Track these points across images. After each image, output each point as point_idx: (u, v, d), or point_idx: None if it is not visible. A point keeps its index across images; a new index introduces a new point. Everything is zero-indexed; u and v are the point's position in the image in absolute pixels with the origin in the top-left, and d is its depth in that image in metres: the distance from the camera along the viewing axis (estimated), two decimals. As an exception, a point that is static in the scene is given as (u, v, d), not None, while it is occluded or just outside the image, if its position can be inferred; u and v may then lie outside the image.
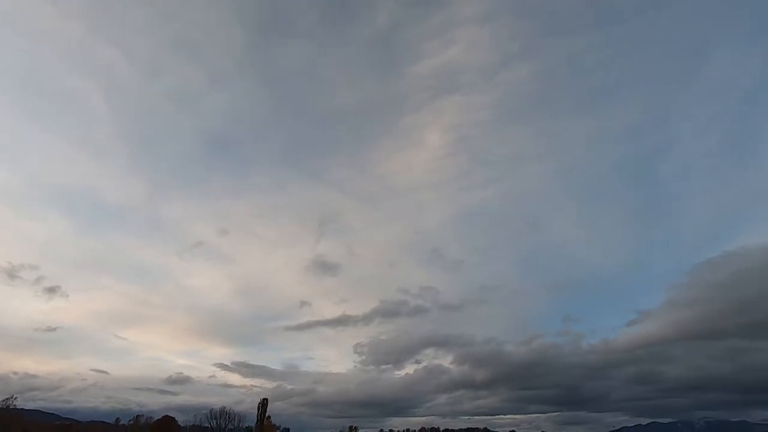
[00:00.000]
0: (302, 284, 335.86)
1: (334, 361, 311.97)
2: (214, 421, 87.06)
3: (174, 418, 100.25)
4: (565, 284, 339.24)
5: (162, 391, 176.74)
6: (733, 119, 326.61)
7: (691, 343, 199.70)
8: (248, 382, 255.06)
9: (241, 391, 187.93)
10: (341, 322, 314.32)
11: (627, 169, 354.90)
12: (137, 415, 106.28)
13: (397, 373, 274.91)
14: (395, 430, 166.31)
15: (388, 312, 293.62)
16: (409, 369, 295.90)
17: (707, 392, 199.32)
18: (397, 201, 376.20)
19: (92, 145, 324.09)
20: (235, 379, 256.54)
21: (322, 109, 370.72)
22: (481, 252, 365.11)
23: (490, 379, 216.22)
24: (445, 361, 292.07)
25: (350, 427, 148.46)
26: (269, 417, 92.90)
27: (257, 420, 74.22)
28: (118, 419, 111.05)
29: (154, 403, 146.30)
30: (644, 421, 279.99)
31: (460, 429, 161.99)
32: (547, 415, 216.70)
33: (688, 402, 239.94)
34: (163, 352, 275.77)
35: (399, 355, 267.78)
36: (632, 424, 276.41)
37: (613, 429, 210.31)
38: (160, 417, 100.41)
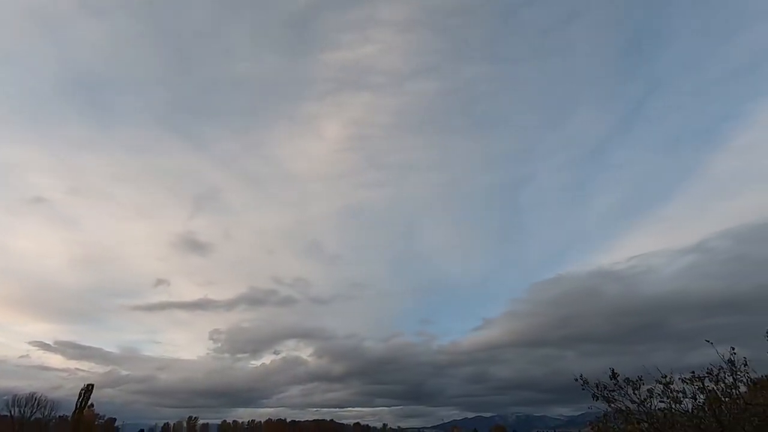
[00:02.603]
0: (162, 261, 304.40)
1: (184, 346, 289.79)
2: (16, 409, 72.83)
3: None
4: (427, 288, 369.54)
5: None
6: (581, 164, 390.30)
7: (519, 349, 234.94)
8: (73, 365, 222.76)
9: (61, 376, 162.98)
10: (201, 305, 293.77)
11: (496, 192, 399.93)
12: None
13: (253, 362, 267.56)
14: (240, 421, 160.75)
15: (255, 299, 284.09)
16: (266, 359, 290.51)
17: (522, 391, 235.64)
18: (284, 187, 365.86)
19: None
20: (55, 361, 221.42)
21: (218, 75, 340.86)
22: (358, 250, 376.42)
23: (346, 373, 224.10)
24: (305, 353, 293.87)
25: (189, 418, 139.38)
26: (92, 405, 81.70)
27: (75, 408, 64.52)
28: None
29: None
30: (470, 415, 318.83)
31: (307, 421, 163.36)
32: (391, 408, 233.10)
33: (506, 399, 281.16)
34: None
35: (258, 344, 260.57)
36: (460, 418, 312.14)
37: (443, 422, 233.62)
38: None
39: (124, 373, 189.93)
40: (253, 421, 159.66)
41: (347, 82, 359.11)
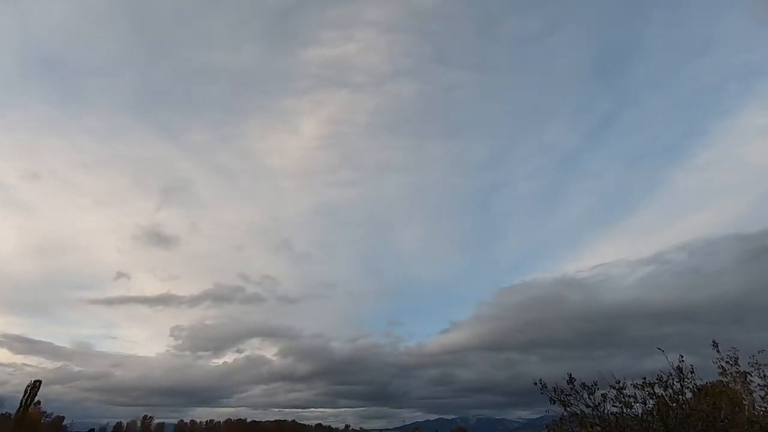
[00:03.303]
0: (124, 253, 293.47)
1: (142, 343, 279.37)
2: (-46, 406, 68.27)
3: None
4: (397, 290, 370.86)
5: None
6: (552, 173, 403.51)
7: (484, 353, 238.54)
8: (20, 359, 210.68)
9: (7, 371, 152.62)
10: (163, 301, 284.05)
11: (469, 197, 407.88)
12: None
13: (214, 361, 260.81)
14: (198, 421, 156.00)
15: (220, 296, 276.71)
16: (228, 358, 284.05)
17: (484, 394, 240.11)
18: (257, 182, 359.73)
19: None
20: (1, 355, 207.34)
21: (195, 64, 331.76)
22: (329, 248, 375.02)
23: (310, 373, 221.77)
24: (270, 352, 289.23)
25: (144, 417, 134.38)
26: (39, 402, 77.44)
27: (20, 405, 60.99)
28: None
29: None
30: (433, 417, 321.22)
31: (268, 421, 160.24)
32: (355, 409, 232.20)
33: (469, 401, 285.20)
34: None
35: (221, 342, 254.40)
36: (423, 420, 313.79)
37: (406, 424, 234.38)
38: None
39: (76, 369, 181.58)
40: (211, 421, 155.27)
41: (327, 79, 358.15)
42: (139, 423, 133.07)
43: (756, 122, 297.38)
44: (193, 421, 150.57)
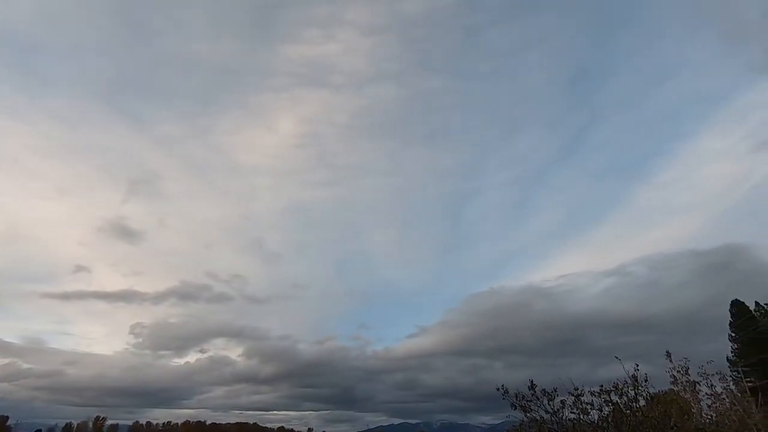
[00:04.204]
0: (85, 246, 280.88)
1: (99, 340, 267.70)
2: None
3: None
4: (368, 293, 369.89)
5: None
6: (524, 184, 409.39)
7: (450, 358, 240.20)
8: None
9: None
10: (124, 297, 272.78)
11: (444, 204, 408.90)
12: None
13: (176, 360, 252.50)
14: (154, 422, 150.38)
15: (186, 294, 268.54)
16: (191, 358, 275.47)
17: (448, 399, 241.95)
18: (229, 178, 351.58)
19: None
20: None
21: (171, 53, 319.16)
22: (301, 249, 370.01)
23: (275, 375, 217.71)
24: (234, 353, 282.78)
25: (96, 417, 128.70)
26: (-20, 401, 72.96)
27: (-41, 404, 57.14)
28: None
29: None
30: (397, 421, 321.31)
31: (229, 423, 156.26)
32: (319, 412, 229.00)
33: (433, 406, 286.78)
34: None
35: (184, 341, 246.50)
36: (387, 424, 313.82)
37: (370, 428, 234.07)
38: None
39: (25, 366, 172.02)
40: (169, 422, 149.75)
41: (307, 78, 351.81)
42: (90, 424, 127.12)
43: (714, 146, 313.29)
44: (149, 423, 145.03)
